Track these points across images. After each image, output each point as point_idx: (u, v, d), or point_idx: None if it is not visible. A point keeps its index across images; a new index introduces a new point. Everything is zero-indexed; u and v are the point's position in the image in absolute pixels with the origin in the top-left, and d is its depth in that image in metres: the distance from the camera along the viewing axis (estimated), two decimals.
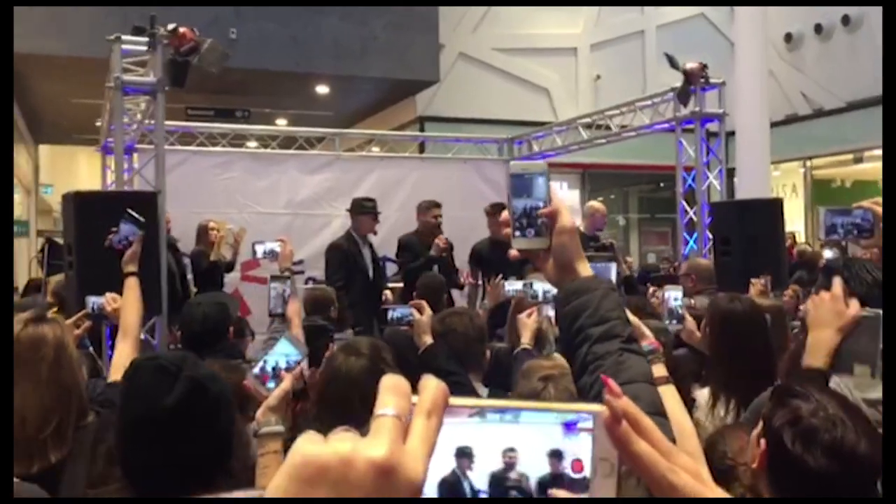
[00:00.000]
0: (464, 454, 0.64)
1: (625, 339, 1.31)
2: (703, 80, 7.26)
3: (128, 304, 3.15)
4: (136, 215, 3.51)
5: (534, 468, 0.64)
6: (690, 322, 3.59)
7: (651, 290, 5.26)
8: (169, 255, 6.51)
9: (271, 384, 2.32)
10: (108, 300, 3.34)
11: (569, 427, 0.65)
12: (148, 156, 6.26)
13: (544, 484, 0.64)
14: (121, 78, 5.66)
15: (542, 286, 3.94)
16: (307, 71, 11.30)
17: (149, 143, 6.64)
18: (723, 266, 6.46)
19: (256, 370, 2.38)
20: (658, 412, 1.25)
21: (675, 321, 3.65)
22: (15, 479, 1.52)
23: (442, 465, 0.60)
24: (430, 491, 0.62)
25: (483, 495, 0.63)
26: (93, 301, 3.67)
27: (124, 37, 5.71)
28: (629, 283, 5.91)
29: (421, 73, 11.97)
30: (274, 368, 2.36)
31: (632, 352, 1.31)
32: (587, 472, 0.63)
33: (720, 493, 0.61)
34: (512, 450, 0.64)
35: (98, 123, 8.84)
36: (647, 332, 1.79)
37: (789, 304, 4.79)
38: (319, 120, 12.13)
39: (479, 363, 3.21)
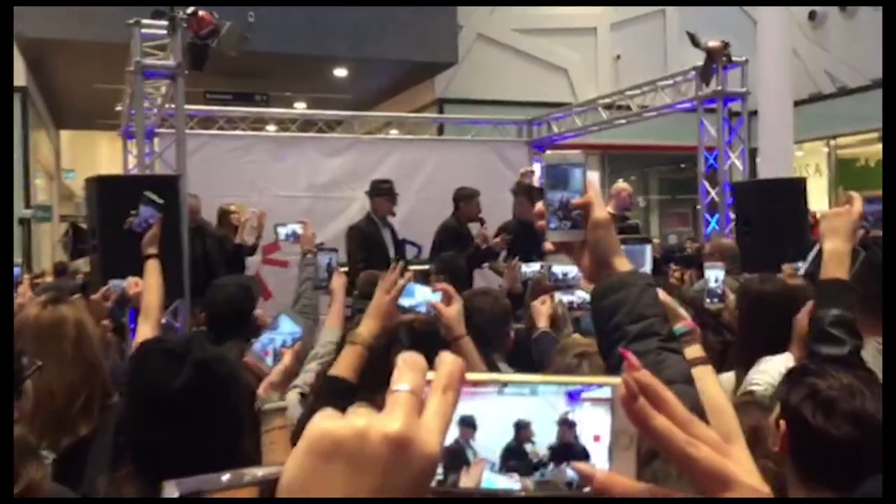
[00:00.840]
0: (466, 423, 0.66)
1: (663, 337, 1.28)
2: (725, 59, 7.17)
3: (149, 286, 3.16)
4: (154, 197, 3.51)
5: (544, 437, 0.66)
6: (732, 300, 3.57)
7: (673, 270, 5.25)
8: (200, 238, 6.57)
9: (269, 360, 2.33)
10: (130, 284, 3.36)
11: (572, 397, 0.66)
12: (169, 139, 6.29)
13: (554, 450, 0.66)
14: (141, 62, 5.69)
15: (560, 268, 3.93)
16: (325, 54, 11.29)
17: (169, 127, 6.68)
18: (745, 246, 6.41)
19: (257, 346, 2.39)
20: (699, 413, 1.23)
21: (716, 299, 3.64)
22: (39, 476, 1.53)
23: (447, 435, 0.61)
24: None
25: (489, 464, 0.65)
26: (115, 284, 3.70)
27: (144, 21, 5.73)
28: (655, 264, 5.90)
29: (439, 55, 11.92)
30: (275, 346, 2.36)
31: (671, 350, 1.28)
32: (606, 444, 0.64)
33: (744, 463, 0.60)
34: (526, 425, 0.65)
35: (119, 108, 8.89)
36: (683, 312, 1.77)
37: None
38: (338, 103, 12.11)
39: (503, 343, 3.20)
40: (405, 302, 2.51)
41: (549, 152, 1.36)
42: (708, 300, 3.69)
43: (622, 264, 1.33)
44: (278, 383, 2.16)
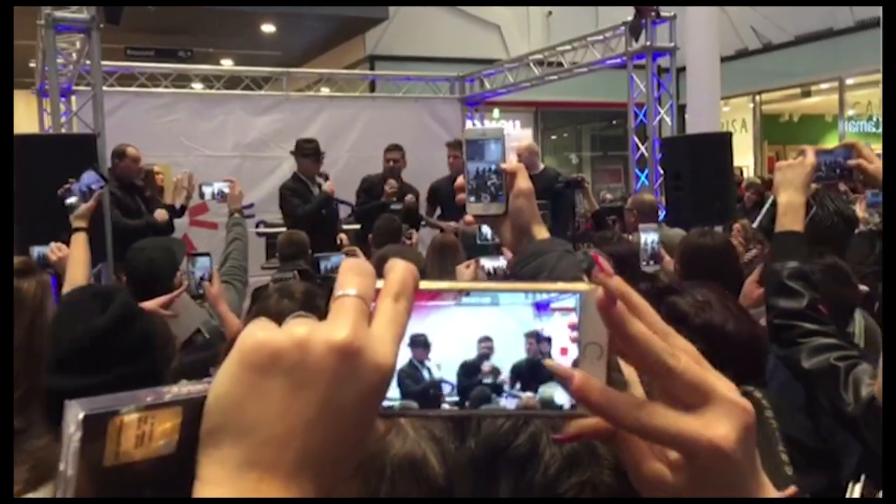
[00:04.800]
0: (418, 343, 0.58)
1: None
2: (654, 15, 7.21)
3: (75, 260, 3.07)
4: (98, 170, 3.40)
5: (509, 354, 0.59)
6: (668, 261, 3.60)
7: (613, 221, 5.36)
8: (137, 199, 6.35)
9: None
10: (52, 249, 3.24)
11: (540, 308, 0.60)
12: (85, 97, 6.03)
13: (518, 370, 0.59)
14: (52, 15, 5.41)
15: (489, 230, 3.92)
16: (252, 9, 10.95)
17: (86, 84, 6.39)
18: (674, 200, 6.53)
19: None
20: None
21: (652, 262, 3.67)
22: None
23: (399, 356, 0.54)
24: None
25: (448, 386, 0.58)
26: (37, 251, 3.57)
27: None
28: (599, 217, 5.98)
29: (370, 11, 11.69)
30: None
31: None
32: (572, 356, 0.59)
33: (724, 380, 0.55)
34: (487, 339, 0.59)
35: (32, 65, 8.47)
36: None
37: (745, 237, 4.88)
38: (266, 60, 11.81)
39: None
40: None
41: (468, 127, 1.39)
42: (644, 263, 3.71)
43: (541, 232, 1.36)
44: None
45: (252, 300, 4.10)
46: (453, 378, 0.59)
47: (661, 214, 6.38)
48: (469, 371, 0.59)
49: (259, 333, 0.48)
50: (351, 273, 0.52)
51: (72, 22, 5.57)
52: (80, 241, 3.16)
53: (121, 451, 0.47)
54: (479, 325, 0.59)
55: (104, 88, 6.15)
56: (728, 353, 1.65)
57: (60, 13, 5.52)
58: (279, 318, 1.78)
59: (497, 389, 0.60)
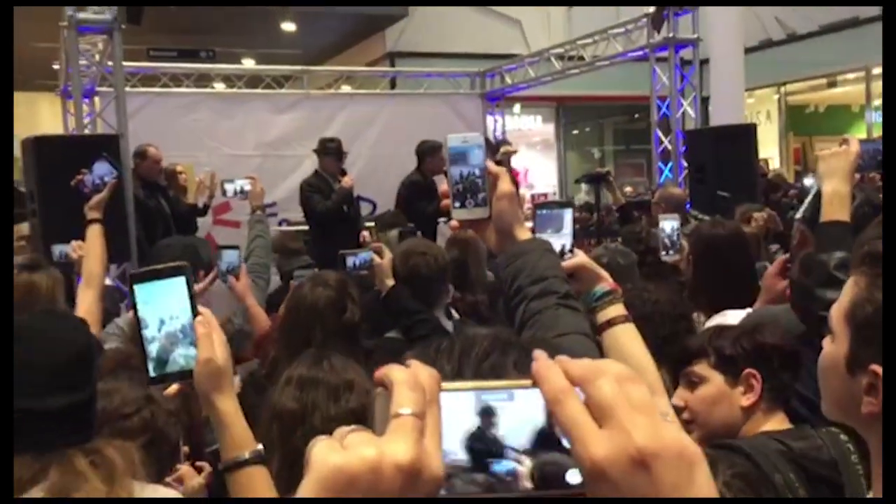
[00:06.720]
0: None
1: (561, 294, 1.36)
2: (676, 6, 7.14)
3: (91, 252, 3.06)
4: (111, 160, 3.40)
5: (524, 428, 0.60)
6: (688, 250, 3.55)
7: (637, 216, 5.30)
8: (160, 199, 6.40)
9: None
10: (74, 248, 3.25)
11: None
12: (108, 98, 6.07)
13: (542, 434, 0.60)
14: (74, 16, 5.46)
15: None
16: (273, 8, 10.97)
17: (109, 85, 6.44)
18: (698, 193, 6.45)
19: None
20: None
21: (672, 251, 3.62)
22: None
23: None
24: None
25: (453, 457, 0.59)
26: (59, 250, 3.59)
27: None
28: (625, 211, 5.94)
29: (389, 8, 11.67)
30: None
31: (567, 307, 1.36)
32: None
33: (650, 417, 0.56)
34: (490, 410, 0.60)
35: (56, 67, 8.56)
36: (604, 273, 1.75)
37: (764, 228, 4.79)
38: (287, 58, 11.82)
39: (443, 300, 3.20)
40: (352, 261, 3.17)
41: (450, 135, 1.41)
42: (664, 253, 3.66)
43: (523, 233, 1.43)
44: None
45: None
46: (459, 449, 0.60)
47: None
48: (475, 439, 0.61)
49: (333, 458, 0.54)
50: (405, 388, 0.57)
51: (94, 23, 5.61)
52: (94, 232, 3.14)
53: None
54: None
55: (127, 89, 6.19)
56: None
57: (83, 14, 5.56)
58: (315, 305, 1.77)
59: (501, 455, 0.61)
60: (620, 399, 0.56)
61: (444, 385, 0.60)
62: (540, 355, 0.60)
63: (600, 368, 0.58)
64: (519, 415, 0.60)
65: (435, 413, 0.58)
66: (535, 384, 0.59)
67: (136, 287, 1.37)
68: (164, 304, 1.38)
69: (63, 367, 1.44)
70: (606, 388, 0.57)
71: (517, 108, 14.09)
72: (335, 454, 0.54)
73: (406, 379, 0.58)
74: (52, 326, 1.58)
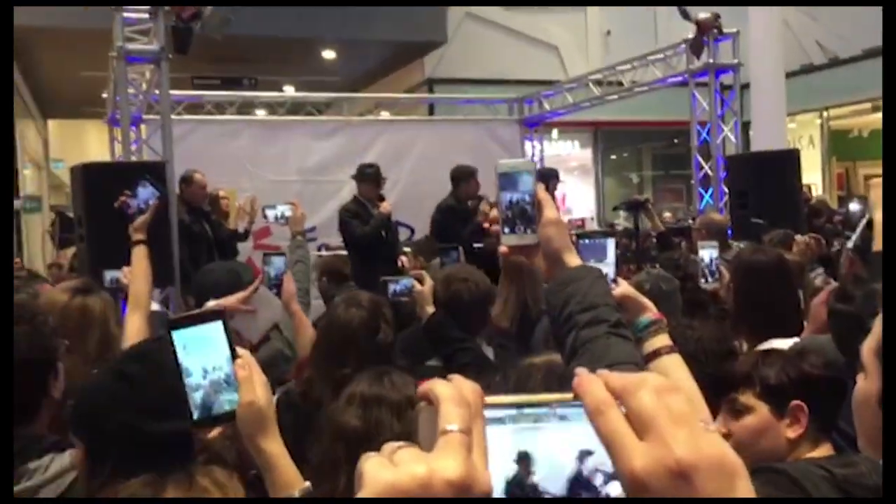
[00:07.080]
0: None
1: (612, 323, 1.34)
2: (715, 31, 7.11)
3: (136, 273, 3.08)
4: (154, 182, 3.48)
5: (558, 469, 0.62)
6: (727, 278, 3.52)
7: (677, 242, 5.26)
8: (203, 223, 6.52)
9: None
10: (125, 273, 3.29)
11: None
12: (155, 126, 6.22)
13: (577, 481, 0.62)
14: (124, 47, 5.61)
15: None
16: (313, 35, 11.16)
17: (155, 113, 6.59)
18: (739, 220, 6.38)
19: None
20: None
21: (711, 279, 3.59)
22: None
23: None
24: None
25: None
26: (111, 276, 3.64)
27: (125, 6, 5.64)
28: (664, 239, 5.90)
29: (428, 35, 11.79)
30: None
31: (619, 336, 1.34)
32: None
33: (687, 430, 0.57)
34: (527, 456, 0.62)
35: (104, 95, 8.79)
36: (649, 303, 1.74)
37: (808, 253, 4.72)
38: (327, 85, 12.00)
39: (485, 326, 3.19)
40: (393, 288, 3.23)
41: (501, 161, 1.41)
42: (703, 281, 3.63)
43: (573, 259, 1.42)
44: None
45: None
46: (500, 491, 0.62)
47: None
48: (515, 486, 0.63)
49: (385, 475, 0.55)
50: (452, 404, 0.58)
51: (142, 53, 5.76)
52: (139, 253, 3.15)
53: None
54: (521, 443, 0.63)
55: (172, 117, 6.33)
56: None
57: (132, 45, 5.71)
58: (348, 326, 1.78)
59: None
60: (660, 411, 0.57)
61: (488, 399, 0.61)
62: (581, 371, 0.61)
63: (640, 381, 0.59)
64: (552, 461, 0.62)
65: (480, 428, 0.58)
66: (576, 398, 0.60)
67: (174, 333, 1.37)
68: (204, 351, 1.38)
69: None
70: (646, 400, 0.57)
71: (555, 133, 14.10)
72: (386, 471, 0.55)
73: (451, 395, 0.59)
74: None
